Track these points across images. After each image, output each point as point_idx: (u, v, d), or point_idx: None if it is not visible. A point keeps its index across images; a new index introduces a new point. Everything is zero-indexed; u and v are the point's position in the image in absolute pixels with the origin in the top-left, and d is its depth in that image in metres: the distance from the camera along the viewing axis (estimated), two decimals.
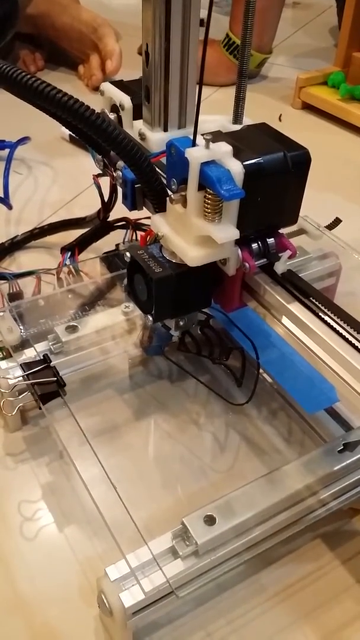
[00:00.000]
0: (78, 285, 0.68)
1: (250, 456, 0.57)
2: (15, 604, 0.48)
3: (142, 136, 0.59)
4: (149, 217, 0.72)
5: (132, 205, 0.59)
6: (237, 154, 0.45)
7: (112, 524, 0.44)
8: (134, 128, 0.60)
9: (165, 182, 0.51)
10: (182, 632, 0.47)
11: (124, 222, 0.74)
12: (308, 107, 1.21)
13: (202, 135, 0.45)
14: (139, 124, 0.59)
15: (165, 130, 0.59)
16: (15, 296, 0.68)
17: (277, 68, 1.37)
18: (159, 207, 0.51)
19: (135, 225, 0.73)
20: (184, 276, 0.49)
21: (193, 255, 0.47)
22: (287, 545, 0.51)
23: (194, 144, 0.45)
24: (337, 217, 0.71)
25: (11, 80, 0.43)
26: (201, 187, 0.45)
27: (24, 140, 0.99)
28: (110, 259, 0.70)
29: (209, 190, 0.44)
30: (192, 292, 0.52)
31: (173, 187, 0.48)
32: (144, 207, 0.60)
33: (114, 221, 0.75)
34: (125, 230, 0.74)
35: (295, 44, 1.51)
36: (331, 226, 0.71)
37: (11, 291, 0.69)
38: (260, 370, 0.60)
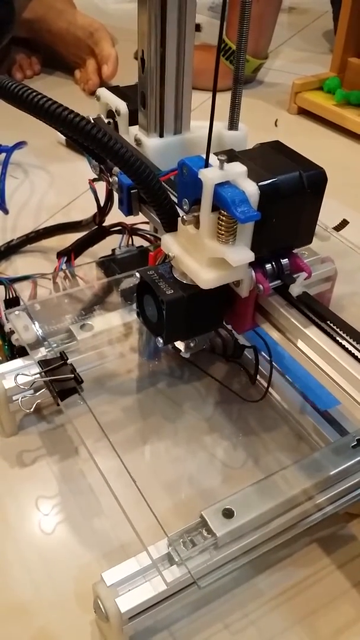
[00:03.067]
0: (74, 290, 0.68)
1: (257, 456, 0.58)
2: (15, 607, 0.48)
3: (138, 142, 0.59)
4: (145, 222, 0.73)
5: (128, 211, 0.59)
6: (252, 174, 0.44)
7: (132, 516, 0.44)
8: (130, 134, 0.60)
9: (175, 200, 0.49)
10: (178, 637, 0.47)
11: (120, 227, 0.75)
12: (304, 112, 1.22)
13: (216, 155, 0.43)
14: (134, 130, 0.60)
15: (161, 135, 0.59)
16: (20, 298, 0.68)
17: (273, 73, 1.38)
18: (169, 226, 0.49)
19: (131, 230, 0.74)
20: (196, 298, 0.48)
21: (206, 277, 0.45)
22: (283, 549, 0.51)
23: (206, 164, 0.44)
24: (344, 219, 0.71)
25: (20, 100, 0.42)
26: (215, 208, 0.43)
27: (20, 144, 0.99)
28: (107, 264, 0.70)
29: (222, 211, 0.43)
30: (203, 314, 0.50)
31: (185, 207, 0.46)
32: (140, 213, 0.60)
33: (110, 226, 0.76)
34: (121, 235, 0.74)
35: (291, 49, 1.51)
36: (338, 227, 0.71)
37: (8, 296, 0.69)
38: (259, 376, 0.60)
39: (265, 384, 0.62)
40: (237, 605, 0.48)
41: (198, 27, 1.51)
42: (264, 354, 0.60)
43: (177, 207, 0.48)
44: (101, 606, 0.42)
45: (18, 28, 1.24)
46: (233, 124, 0.58)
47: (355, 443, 0.51)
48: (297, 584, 0.50)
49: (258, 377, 0.62)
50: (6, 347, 0.61)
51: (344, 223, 0.71)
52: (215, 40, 1.26)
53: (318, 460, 0.50)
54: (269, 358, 0.58)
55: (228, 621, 0.48)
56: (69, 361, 0.55)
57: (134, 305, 0.64)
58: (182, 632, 0.47)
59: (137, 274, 0.49)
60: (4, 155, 0.93)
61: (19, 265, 0.80)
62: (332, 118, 1.16)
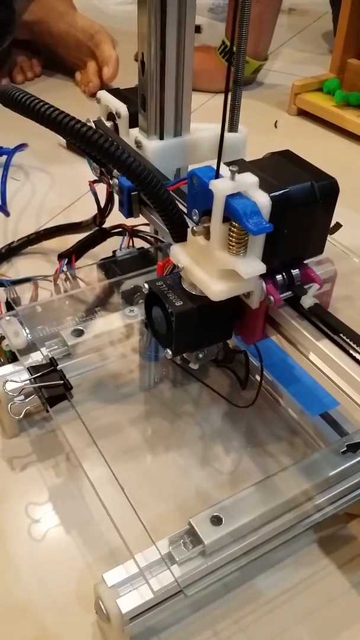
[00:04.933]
0: (75, 292, 0.68)
1: (254, 459, 0.57)
2: (12, 608, 0.48)
3: (138, 144, 0.59)
4: (145, 224, 0.73)
5: (129, 213, 0.59)
6: (263, 185, 0.43)
7: (120, 524, 0.44)
8: (130, 136, 0.60)
9: (184, 209, 0.49)
10: (176, 639, 0.47)
11: (120, 229, 0.75)
12: (304, 114, 1.22)
13: (227, 165, 0.42)
14: (135, 132, 0.60)
15: (161, 138, 0.59)
16: (13, 303, 0.68)
17: (273, 74, 1.38)
18: (177, 236, 0.48)
19: (131, 232, 0.74)
20: (205, 309, 0.47)
21: (216, 289, 0.44)
22: (283, 550, 0.51)
23: (217, 174, 0.43)
24: (337, 222, 0.71)
25: (29, 110, 0.42)
26: (225, 219, 0.42)
27: (21, 146, 0.99)
28: (107, 266, 0.70)
29: (234, 222, 0.42)
30: (213, 325, 0.49)
31: (194, 217, 0.46)
32: (140, 214, 0.60)
33: (111, 228, 0.76)
34: (121, 237, 0.75)
35: (291, 51, 1.51)
36: (332, 231, 0.71)
37: (9, 298, 0.69)
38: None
39: (266, 388, 0.62)
40: (236, 606, 0.49)
41: (198, 29, 1.52)
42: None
43: (186, 217, 0.48)
44: (102, 607, 0.43)
45: (19, 30, 1.24)
46: (233, 126, 0.58)
47: (344, 449, 0.51)
48: (297, 584, 0.50)
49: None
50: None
51: (337, 226, 0.70)
52: (215, 42, 1.26)
53: (311, 464, 0.50)
54: (260, 362, 0.58)
55: (226, 623, 0.48)
56: (59, 367, 0.55)
57: (126, 311, 0.63)
58: (178, 635, 0.47)
59: (146, 285, 0.48)
60: (5, 157, 0.93)
61: (20, 267, 0.80)
62: (332, 119, 1.17)
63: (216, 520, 0.45)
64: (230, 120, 0.58)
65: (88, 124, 0.61)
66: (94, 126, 0.62)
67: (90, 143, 0.42)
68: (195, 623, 0.48)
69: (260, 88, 1.33)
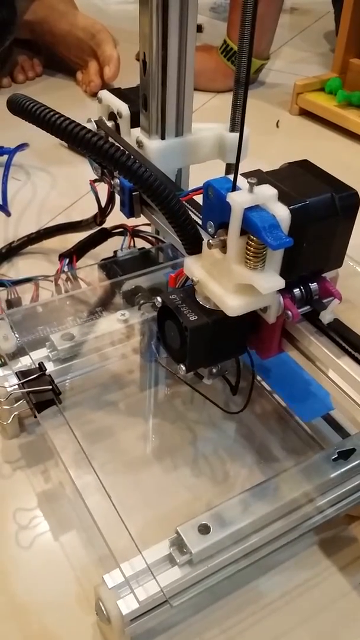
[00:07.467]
0: (76, 292, 0.68)
1: (247, 464, 0.57)
2: (12, 611, 0.48)
3: (140, 144, 0.59)
4: (147, 224, 0.73)
5: (130, 213, 0.59)
6: (282, 197, 0.41)
7: (107, 532, 0.44)
8: (132, 136, 0.60)
9: (197, 221, 0.48)
10: (178, 639, 0.47)
11: (121, 229, 0.75)
12: (305, 113, 1.22)
13: (246, 177, 0.41)
14: (136, 132, 0.60)
15: (163, 137, 0.59)
16: (13, 303, 0.68)
17: (275, 74, 1.38)
18: (191, 249, 0.47)
19: (133, 232, 0.74)
20: (221, 324, 0.45)
21: (232, 304, 0.43)
22: (284, 552, 0.51)
23: (234, 186, 0.42)
24: None
25: (42, 121, 0.42)
26: (243, 232, 0.41)
27: (22, 146, 0.99)
28: (109, 266, 0.70)
29: (251, 236, 0.41)
30: (228, 339, 0.48)
31: (210, 230, 0.44)
32: (141, 214, 0.60)
33: (112, 228, 0.76)
34: (123, 237, 0.74)
35: (293, 50, 1.51)
36: None
37: (9, 298, 0.69)
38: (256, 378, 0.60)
39: (264, 388, 0.62)
40: (238, 608, 0.48)
41: (200, 28, 1.51)
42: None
43: (200, 229, 0.46)
44: (103, 608, 0.42)
45: (20, 30, 1.24)
46: (234, 126, 0.58)
47: (335, 456, 0.50)
48: (298, 586, 0.50)
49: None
50: None
51: None
52: (216, 41, 1.26)
53: (305, 470, 0.50)
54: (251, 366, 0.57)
55: (227, 624, 0.48)
56: (48, 371, 0.55)
57: (118, 315, 0.63)
58: (180, 635, 0.47)
59: (159, 299, 0.47)
60: (6, 157, 0.93)
61: (21, 267, 0.80)
62: (334, 119, 1.16)
63: (204, 529, 0.44)
64: (232, 120, 0.58)
65: (89, 124, 0.62)
66: (95, 126, 0.62)
67: (102, 154, 0.41)
68: (197, 624, 0.47)
69: (261, 87, 1.33)
